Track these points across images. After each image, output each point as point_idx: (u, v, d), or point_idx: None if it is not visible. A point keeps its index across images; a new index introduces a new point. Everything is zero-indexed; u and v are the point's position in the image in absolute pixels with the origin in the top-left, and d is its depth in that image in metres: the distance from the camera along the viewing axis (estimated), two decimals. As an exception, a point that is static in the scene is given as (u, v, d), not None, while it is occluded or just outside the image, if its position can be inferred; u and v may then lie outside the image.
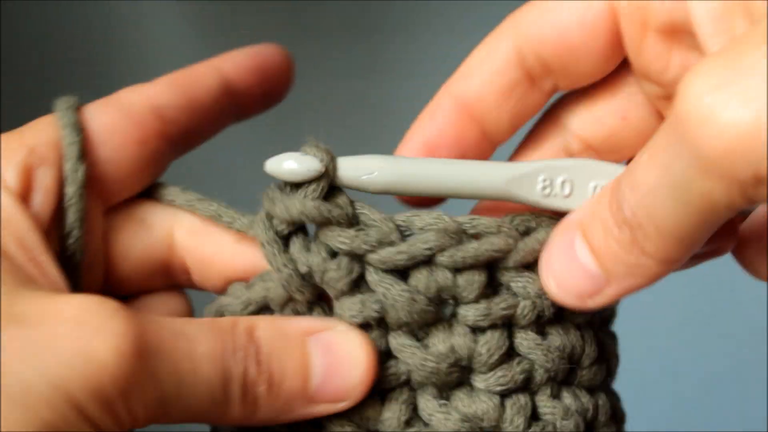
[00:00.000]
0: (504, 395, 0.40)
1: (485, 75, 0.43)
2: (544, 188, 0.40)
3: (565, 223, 0.39)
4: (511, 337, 0.41)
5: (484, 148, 0.44)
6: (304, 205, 0.39)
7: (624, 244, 0.36)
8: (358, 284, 0.40)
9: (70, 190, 0.41)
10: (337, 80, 1.04)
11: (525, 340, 0.41)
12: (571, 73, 0.42)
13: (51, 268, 0.39)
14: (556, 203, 0.41)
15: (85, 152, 0.42)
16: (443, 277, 0.40)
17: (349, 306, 0.40)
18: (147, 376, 0.36)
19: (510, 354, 0.41)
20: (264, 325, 0.40)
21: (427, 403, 0.41)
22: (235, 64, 0.47)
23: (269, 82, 0.47)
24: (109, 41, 1.05)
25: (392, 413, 0.41)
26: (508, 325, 0.41)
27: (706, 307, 1.05)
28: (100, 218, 0.43)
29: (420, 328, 0.40)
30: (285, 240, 0.40)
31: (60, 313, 0.35)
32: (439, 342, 0.40)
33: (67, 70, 1.04)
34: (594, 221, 0.37)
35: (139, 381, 0.35)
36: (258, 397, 0.39)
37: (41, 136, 0.42)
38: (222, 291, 0.45)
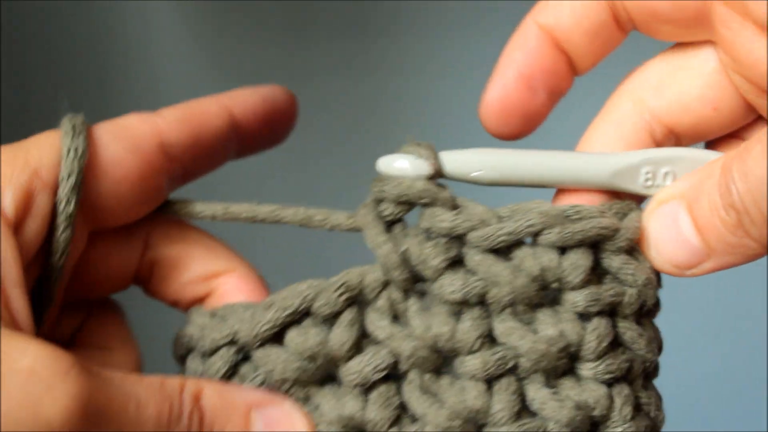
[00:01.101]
0: (610, 384, 0.40)
1: (576, 12, 0.42)
2: (647, 179, 0.41)
3: (668, 192, 0.40)
4: (615, 326, 0.40)
5: (570, 80, 0.44)
6: (415, 183, 0.40)
7: (729, 225, 0.37)
8: (455, 268, 0.40)
9: (61, 220, 0.40)
10: (337, 80, 1.04)
11: (629, 330, 0.40)
12: (653, 29, 0.41)
13: (16, 300, 0.38)
14: None
15: (84, 180, 0.41)
16: (548, 258, 0.39)
17: (450, 282, 0.40)
18: None
19: (613, 343, 0.40)
20: (210, 392, 0.40)
21: (538, 392, 0.39)
22: (244, 105, 0.46)
23: (274, 124, 0.47)
24: (109, 41, 1.05)
25: (502, 404, 0.39)
26: (611, 313, 0.40)
27: (706, 306, 1.05)
28: (83, 241, 0.43)
29: (524, 312, 0.40)
30: (387, 226, 0.41)
31: (15, 362, 0.35)
32: (548, 326, 0.39)
33: (67, 70, 1.04)
34: (701, 198, 0.38)
35: None
36: None
37: (45, 158, 0.41)
38: (174, 302, 0.46)
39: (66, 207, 0.40)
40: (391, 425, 0.40)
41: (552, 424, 0.39)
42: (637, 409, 0.41)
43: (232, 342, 0.41)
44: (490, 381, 0.40)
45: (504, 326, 0.40)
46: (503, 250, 0.40)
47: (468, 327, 0.40)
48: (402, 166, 0.41)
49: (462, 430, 0.39)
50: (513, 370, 0.40)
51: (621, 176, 0.41)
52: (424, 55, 1.05)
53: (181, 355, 0.44)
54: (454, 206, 0.40)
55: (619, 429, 0.40)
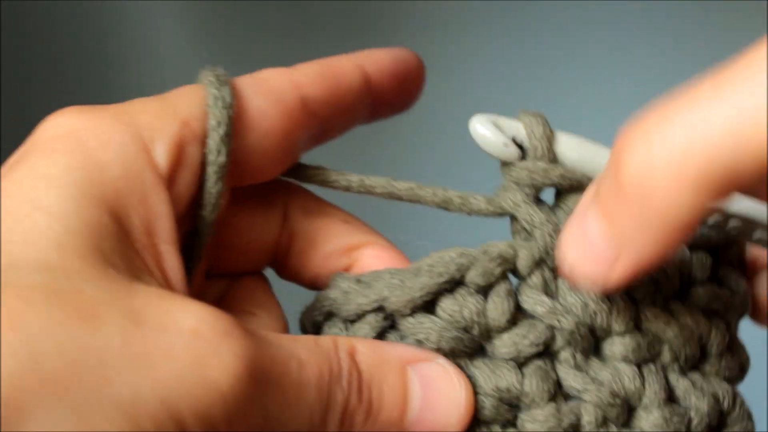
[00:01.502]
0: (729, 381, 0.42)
1: None
2: (712, 225, 0.39)
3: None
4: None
5: None
6: (565, 169, 0.40)
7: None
8: None
9: (214, 172, 0.39)
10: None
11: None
12: None
13: (170, 258, 0.37)
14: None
15: (232, 134, 0.39)
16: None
17: None
18: (256, 403, 0.34)
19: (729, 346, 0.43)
20: (364, 349, 0.38)
21: (678, 381, 0.41)
22: (378, 65, 0.45)
23: (405, 87, 0.46)
24: (109, 41, 1.05)
25: (654, 388, 0.40)
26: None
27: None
28: (227, 198, 0.41)
29: (665, 301, 0.42)
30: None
31: (178, 322, 0.33)
32: (686, 317, 0.42)
33: (67, 70, 1.04)
34: (603, 180, 0.35)
35: (247, 406, 0.33)
36: (354, 425, 0.37)
37: (194, 108, 0.39)
38: (314, 277, 0.44)
39: (218, 158, 0.38)
40: (549, 400, 0.40)
41: (693, 412, 0.41)
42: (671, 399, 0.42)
43: (379, 308, 0.40)
44: (639, 365, 0.41)
45: (652, 313, 0.41)
46: None
47: (622, 308, 0.40)
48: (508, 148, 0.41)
49: (620, 410, 0.40)
50: (656, 358, 0.41)
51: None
52: (424, 55, 1.05)
53: (317, 321, 0.42)
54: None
55: (737, 426, 0.42)
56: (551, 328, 0.40)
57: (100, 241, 0.34)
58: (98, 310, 0.31)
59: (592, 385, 0.40)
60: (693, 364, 0.42)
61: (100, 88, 1.02)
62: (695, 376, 0.42)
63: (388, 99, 0.46)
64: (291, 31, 1.05)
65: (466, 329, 0.40)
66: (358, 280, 0.41)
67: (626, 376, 0.40)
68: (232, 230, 0.43)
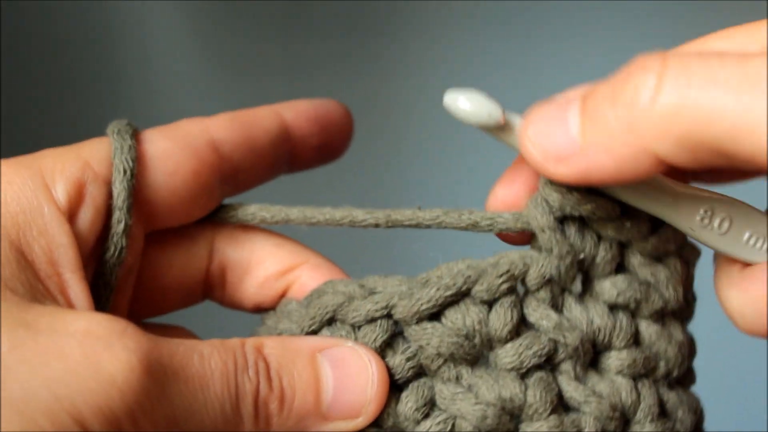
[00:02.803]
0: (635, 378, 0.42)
1: None
2: (702, 219, 0.40)
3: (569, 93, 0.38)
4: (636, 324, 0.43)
5: None
6: (596, 203, 0.40)
7: (620, 122, 0.35)
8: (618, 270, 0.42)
9: (118, 209, 0.41)
10: (336, 80, 1.04)
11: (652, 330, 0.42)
12: None
13: (74, 286, 0.38)
14: (710, 238, 0.40)
15: (137, 174, 0.41)
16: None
17: (613, 284, 0.41)
18: (157, 394, 0.34)
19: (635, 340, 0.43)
20: (272, 343, 0.39)
21: (669, 395, 0.42)
22: (296, 111, 0.47)
23: (327, 135, 0.47)
24: (109, 41, 1.05)
25: (648, 402, 0.41)
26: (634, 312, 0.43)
27: (705, 306, 1.05)
28: (141, 241, 0.43)
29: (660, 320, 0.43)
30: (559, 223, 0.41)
31: (70, 325, 0.34)
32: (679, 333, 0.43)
33: (67, 70, 1.04)
34: (602, 90, 0.36)
35: (148, 399, 0.34)
36: (270, 415, 0.38)
37: (96, 153, 0.41)
38: (256, 305, 0.45)
39: (120, 198, 0.41)
40: (552, 411, 0.40)
41: (680, 425, 0.43)
42: (663, 409, 0.42)
43: (387, 315, 0.41)
44: (635, 379, 0.42)
45: (650, 331, 0.42)
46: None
47: (625, 324, 0.42)
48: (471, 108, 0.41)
49: (618, 423, 0.41)
50: (651, 373, 0.42)
51: (679, 207, 0.40)
52: (424, 55, 1.05)
53: (311, 331, 0.42)
54: (618, 216, 0.41)
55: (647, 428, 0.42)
56: (554, 341, 0.41)
57: (2, 268, 0.36)
58: None
59: (592, 397, 0.40)
60: (680, 378, 0.43)
61: (99, 88, 1.02)
62: (680, 389, 0.43)
63: (310, 146, 0.47)
64: (291, 31, 1.04)
65: (467, 337, 0.40)
66: (361, 285, 0.42)
67: (624, 390, 0.41)
68: (155, 271, 0.45)
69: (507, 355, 0.40)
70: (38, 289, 0.37)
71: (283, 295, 0.46)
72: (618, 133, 0.35)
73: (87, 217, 0.40)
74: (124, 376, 0.33)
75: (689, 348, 0.44)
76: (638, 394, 0.41)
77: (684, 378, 0.44)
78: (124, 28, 1.05)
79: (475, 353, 0.41)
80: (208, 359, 0.37)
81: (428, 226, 0.43)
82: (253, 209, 0.45)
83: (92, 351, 0.34)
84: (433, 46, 1.05)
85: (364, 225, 0.43)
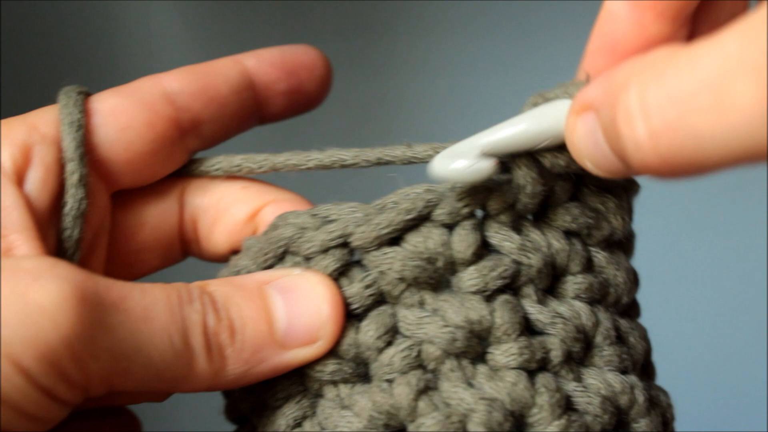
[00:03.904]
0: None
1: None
2: None
3: (582, 101, 0.35)
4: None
5: None
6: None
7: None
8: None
9: (70, 161, 0.40)
10: (336, 80, 1.04)
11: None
12: None
13: (24, 245, 0.37)
14: None
15: (87, 132, 0.41)
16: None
17: (567, 212, 0.41)
18: (96, 325, 0.33)
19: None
20: (216, 282, 0.39)
21: (622, 321, 0.42)
22: (259, 58, 0.45)
23: (296, 80, 0.46)
24: (109, 41, 1.05)
25: (606, 326, 0.41)
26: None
27: (705, 306, 1.05)
28: (104, 197, 0.42)
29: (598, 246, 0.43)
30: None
31: None
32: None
33: (67, 70, 1.04)
34: (612, 105, 0.33)
35: (87, 330, 0.32)
36: (223, 347, 0.37)
37: (44, 116, 0.41)
38: (231, 252, 0.44)
39: (70, 149, 0.40)
40: (520, 333, 0.39)
41: (634, 351, 0.43)
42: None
43: (344, 244, 0.40)
44: (591, 304, 0.41)
45: (604, 257, 0.42)
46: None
47: (579, 249, 0.41)
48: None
49: (582, 345, 0.40)
50: (604, 299, 0.42)
51: None
52: (425, 55, 1.05)
53: (269, 265, 0.41)
54: None
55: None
56: (517, 263, 0.40)
57: None
58: None
59: (558, 319, 0.40)
60: (627, 307, 0.44)
61: (99, 88, 1.02)
62: (628, 318, 0.43)
63: (278, 90, 0.45)
64: (291, 31, 1.04)
65: (429, 260, 0.39)
66: (313, 215, 0.41)
67: (583, 314, 0.41)
68: (127, 231, 0.44)
69: (471, 277, 0.39)
70: None
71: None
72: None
73: (37, 176, 0.39)
74: (55, 305, 0.32)
75: (634, 277, 0.44)
76: (596, 318, 0.41)
77: (630, 308, 0.44)
78: (125, 28, 1.05)
79: (438, 277, 0.40)
80: (150, 292, 0.36)
81: (419, 161, 0.42)
82: (237, 160, 0.44)
83: (19, 284, 0.32)
84: (436, 47, 1.05)
85: (353, 166, 0.43)
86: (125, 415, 0.44)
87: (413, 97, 1.06)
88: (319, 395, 0.41)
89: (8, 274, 0.32)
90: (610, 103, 0.31)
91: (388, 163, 0.42)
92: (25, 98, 1.04)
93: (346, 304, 0.40)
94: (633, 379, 0.41)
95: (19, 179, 0.39)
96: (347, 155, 0.43)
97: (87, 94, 0.42)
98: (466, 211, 0.40)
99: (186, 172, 0.45)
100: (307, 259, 0.40)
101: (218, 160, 0.44)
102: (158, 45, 1.05)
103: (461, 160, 0.38)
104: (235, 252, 0.44)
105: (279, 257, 0.41)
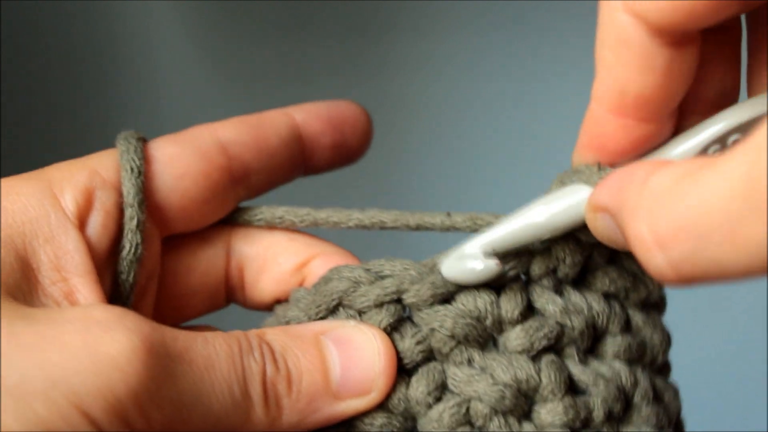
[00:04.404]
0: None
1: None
2: (715, 152, 0.38)
3: (595, 202, 0.36)
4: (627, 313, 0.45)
5: None
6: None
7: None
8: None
9: (129, 206, 0.41)
10: (336, 80, 1.05)
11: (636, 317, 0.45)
12: None
13: (84, 290, 0.38)
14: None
15: (146, 178, 0.42)
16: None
17: (605, 276, 0.43)
18: (161, 376, 0.34)
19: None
20: (273, 330, 0.40)
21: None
22: (307, 111, 0.47)
23: (341, 135, 0.47)
24: (109, 41, 1.05)
25: (645, 385, 0.42)
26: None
27: (706, 306, 1.05)
28: (158, 243, 0.43)
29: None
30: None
31: (67, 314, 0.34)
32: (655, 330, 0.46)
33: (67, 70, 1.04)
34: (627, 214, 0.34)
35: (153, 381, 0.33)
36: (280, 397, 0.38)
37: (104, 161, 0.42)
38: (275, 301, 0.45)
39: (130, 195, 0.41)
40: (566, 392, 0.41)
41: (670, 408, 0.44)
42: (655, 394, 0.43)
43: (397, 300, 0.41)
44: (630, 362, 0.43)
45: (641, 319, 0.44)
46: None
47: (618, 310, 0.43)
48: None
49: (622, 405, 0.42)
50: (641, 358, 0.44)
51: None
52: (425, 55, 1.05)
53: (320, 317, 0.42)
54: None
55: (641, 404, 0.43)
56: (560, 325, 0.41)
57: (5, 277, 0.36)
58: None
59: (600, 379, 0.41)
60: (661, 367, 0.45)
61: (99, 88, 1.02)
62: (661, 377, 0.45)
63: (324, 144, 0.47)
64: (291, 31, 1.05)
65: (479, 319, 0.41)
66: (367, 270, 0.42)
67: (623, 374, 0.42)
68: (175, 277, 0.45)
69: (518, 337, 0.41)
70: (40, 296, 0.37)
71: None
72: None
73: (98, 221, 0.40)
74: (126, 357, 0.33)
75: (668, 337, 0.46)
76: (635, 378, 0.42)
77: (663, 367, 0.46)
78: (125, 28, 1.05)
79: (486, 336, 0.41)
80: (212, 342, 0.36)
81: (459, 229, 0.43)
82: (280, 212, 0.45)
83: (90, 334, 0.33)
84: (436, 47, 1.05)
85: (392, 228, 0.44)
86: None
87: (414, 97, 1.06)
88: None
89: (80, 325, 0.33)
90: (622, 224, 0.32)
91: (427, 229, 0.44)
92: (25, 98, 1.04)
93: (398, 359, 0.40)
94: None
95: (81, 223, 0.40)
96: (387, 218, 0.44)
97: (144, 140, 0.43)
98: (513, 273, 0.41)
99: (231, 219, 0.46)
100: (360, 313, 0.41)
101: (261, 211, 0.46)
102: (158, 44, 1.05)
103: (471, 262, 0.40)
104: (280, 301, 0.46)
105: (331, 310, 0.42)
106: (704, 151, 0.37)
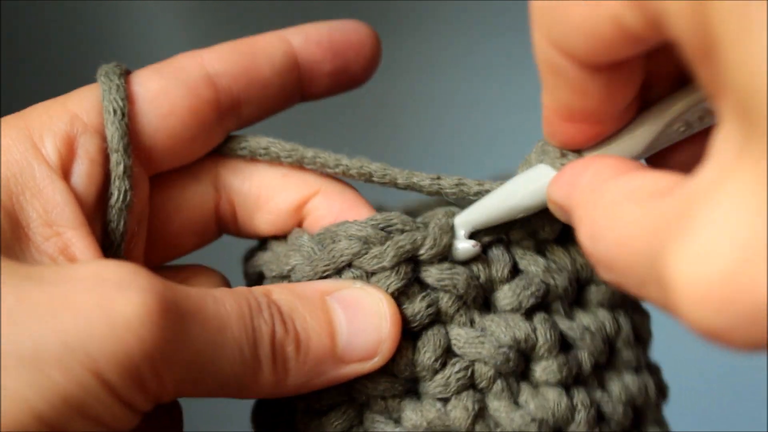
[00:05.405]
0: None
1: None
2: (682, 131, 0.38)
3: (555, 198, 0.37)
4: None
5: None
6: None
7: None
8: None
9: (115, 152, 0.39)
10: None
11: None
12: None
13: (78, 242, 0.37)
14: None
15: (130, 119, 0.39)
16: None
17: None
18: (176, 336, 0.33)
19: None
20: (279, 289, 0.38)
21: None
22: (305, 36, 0.44)
23: (343, 61, 0.44)
24: (109, 41, 1.05)
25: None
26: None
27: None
28: (146, 185, 0.41)
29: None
30: None
31: (76, 272, 0.33)
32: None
33: (67, 70, 1.04)
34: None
35: (167, 342, 0.32)
36: (287, 359, 0.37)
37: (85, 102, 0.40)
38: (267, 232, 0.43)
39: (114, 140, 0.39)
40: (560, 351, 0.41)
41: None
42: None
43: (410, 259, 0.40)
44: (612, 308, 0.44)
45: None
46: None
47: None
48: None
49: (607, 353, 0.43)
50: (623, 304, 0.45)
51: (656, 144, 0.38)
52: (425, 55, 1.05)
53: (327, 274, 0.41)
54: None
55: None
56: (545, 283, 0.42)
57: None
58: None
59: (586, 333, 0.42)
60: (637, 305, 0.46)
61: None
62: (639, 314, 0.46)
63: (324, 71, 0.44)
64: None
65: (474, 276, 0.41)
66: (375, 226, 0.40)
67: (607, 321, 0.43)
68: (164, 215, 0.43)
69: (505, 296, 0.41)
70: (33, 254, 0.36)
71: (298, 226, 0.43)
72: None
73: (82, 169, 0.38)
74: (140, 320, 0.32)
75: None
76: (618, 324, 0.43)
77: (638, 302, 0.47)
78: (125, 28, 1.05)
79: (481, 296, 0.41)
80: (222, 302, 0.35)
81: (447, 194, 0.42)
82: (264, 143, 0.43)
83: (104, 295, 0.32)
84: (437, 47, 1.05)
85: (379, 182, 0.42)
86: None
87: (414, 97, 1.06)
88: (365, 406, 0.41)
89: (91, 284, 0.32)
90: (572, 224, 0.33)
91: (415, 189, 0.42)
92: (26, 98, 1.04)
93: (404, 322, 0.40)
94: (646, 376, 0.44)
95: (65, 173, 0.38)
96: (376, 170, 0.42)
97: (127, 72, 0.41)
98: (495, 239, 0.41)
99: (216, 150, 0.43)
100: (370, 274, 0.40)
101: (246, 140, 0.43)
102: (158, 44, 1.05)
103: (453, 242, 0.40)
104: (275, 237, 0.44)
105: (339, 271, 0.40)
106: (669, 126, 0.37)
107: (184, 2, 1.05)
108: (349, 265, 0.40)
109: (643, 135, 0.37)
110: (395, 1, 1.04)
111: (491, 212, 0.40)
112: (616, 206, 0.30)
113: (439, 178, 0.42)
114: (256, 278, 0.44)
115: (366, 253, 0.40)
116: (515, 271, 0.42)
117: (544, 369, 0.41)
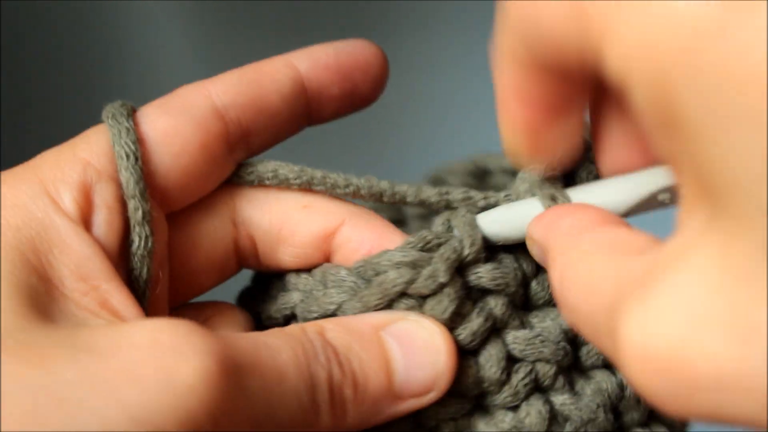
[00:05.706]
0: None
1: None
2: (664, 202, 0.37)
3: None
4: None
5: None
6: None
7: None
8: None
9: (132, 198, 0.38)
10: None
11: None
12: None
13: (117, 295, 0.36)
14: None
15: (143, 161, 0.38)
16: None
17: None
18: (238, 396, 0.32)
19: None
20: (331, 326, 0.37)
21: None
22: (312, 60, 0.42)
23: (351, 83, 0.43)
24: (109, 41, 1.05)
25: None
26: None
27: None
28: (164, 227, 0.40)
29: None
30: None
31: (131, 339, 0.32)
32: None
33: (67, 70, 1.04)
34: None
35: (230, 402, 0.32)
36: (346, 401, 0.36)
37: (95, 147, 0.38)
38: (292, 266, 0.42)
39: (130, 186, 0.38)
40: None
41: None
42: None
43: (457, 269, 0.39)
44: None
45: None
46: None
47: None
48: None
49: None
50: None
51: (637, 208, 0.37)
52: (425, 55, 1.05)
53: (380, 308, 0.39)
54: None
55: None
56: None
57: (34, 300, 0.34)
58: (45, 353, 0.31)
59: None
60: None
61: (100, 88, 1.02)
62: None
63: (332, 95, 0.43)
64: (291, 31, 1.04)
65: (519, 267, 0.41)
66: (414, 247, 0.40)
67: None
68: (182, 255, 0.42)
69: (537, 291, 0.41)
70: (73, 311, 0.35)
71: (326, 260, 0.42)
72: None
73: (102, 219, 0.37)
74: (203, 384, 0.31)
75: None
76: None
77: None
78: (125, 28, 1.05)
79: (522, 293, 0.41)
80: (278, 351, 0.35)
81: (455, 208, 0.42)
82: (271, 167, 0.42)
83: (163, 363, 0.31)
84: (437, 47, 1.05)
85: (389, 201, 0.42)
86: None
87: (414, 97, 1.06)
88: (434, 429, 0.40)
89: (148, 352, 0.31)
90: (546, 266, 0.34)
91: (424, 205, 0.42)
92: (25, 98, 1.04)
93: (460, 347, 0.39)
94: None
95: (86, 224, 0.37)
96: (386, 188, 0.42)
97: (133, 110, 0.40)
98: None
99: (227, 180, 0.43)
100: (424, 299, 0.39)
101: (252, 166, 0.42)
102: (158, 44, 1.05)
103: None
104: (299, 270, 0.43)
105: (390, 302, 0.39)
106: (653, 197, 0.36)
107: (184, 2, 1.05)
108: (401, 294, 0.39)
109: (626, 198, 0.37)
110: (395, 1, 1.04)
111: (488, 233, 0.40)
112: (588, 255, 0.31)
113: (447, 192, 0.42)
114: (283, 321, 0.42)
115: (418, 277, 0.39)
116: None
117: (588, 353, 0.41)
